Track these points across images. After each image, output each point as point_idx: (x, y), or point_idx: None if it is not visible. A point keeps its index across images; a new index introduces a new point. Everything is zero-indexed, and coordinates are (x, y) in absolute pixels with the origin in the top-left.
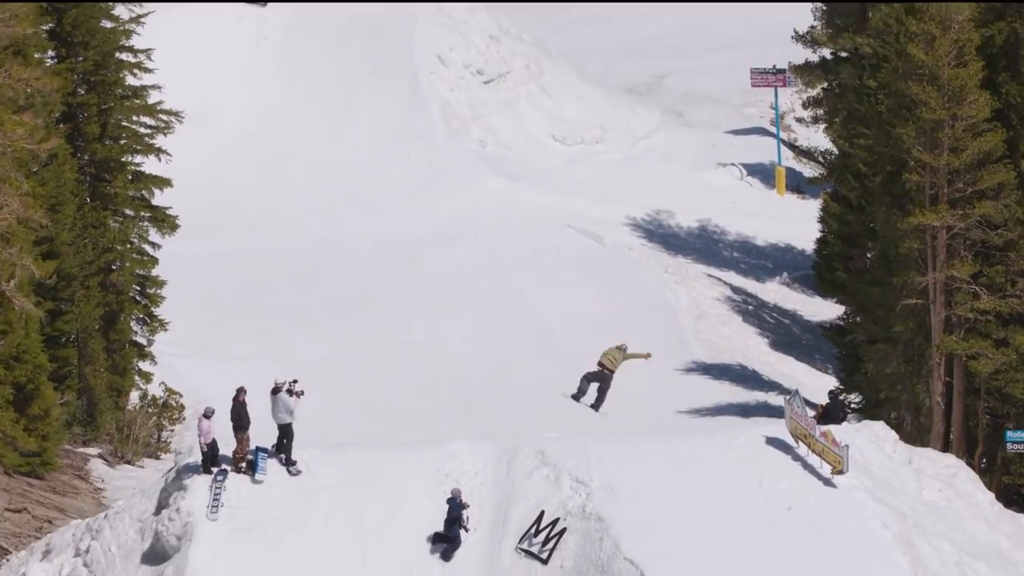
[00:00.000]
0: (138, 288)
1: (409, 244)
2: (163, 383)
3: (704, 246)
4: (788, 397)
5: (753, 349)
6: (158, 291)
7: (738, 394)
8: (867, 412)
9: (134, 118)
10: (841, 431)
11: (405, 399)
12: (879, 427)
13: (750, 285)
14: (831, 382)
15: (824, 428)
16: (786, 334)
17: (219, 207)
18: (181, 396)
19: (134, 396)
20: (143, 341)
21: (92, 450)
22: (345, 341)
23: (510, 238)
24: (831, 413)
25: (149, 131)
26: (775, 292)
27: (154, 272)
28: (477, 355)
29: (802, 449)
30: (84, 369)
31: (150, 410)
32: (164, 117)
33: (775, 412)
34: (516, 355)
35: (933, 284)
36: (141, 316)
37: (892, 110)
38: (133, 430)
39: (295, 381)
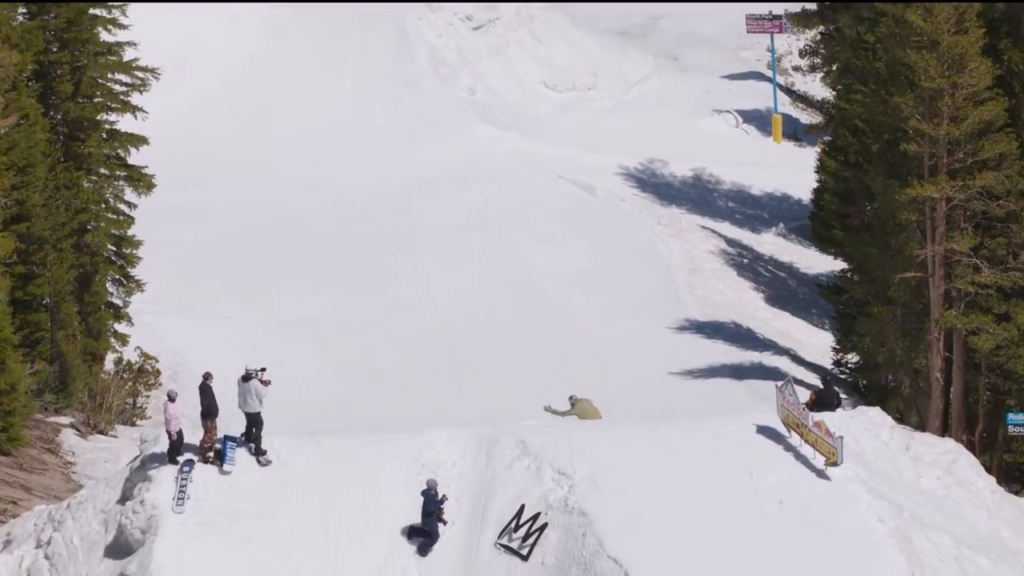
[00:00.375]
0: (113, 248)
1: (397, 195)
2: (139, 348)
3: (698, 196)
4: (780, 384)
5: (748, 304)
6: (134, 251)
7: (732, 354)
8: (864, 374)
9: (109, 75)
10: (835, 418)
11: (392, 359)
12: (875, 413)
13: (745, 236)
14: (827, 339)
15: (817, 418)
16: (782, 288)
17: (201, 157)
18: (157, 361)
19: (111, 359)
20: (119, 302)
21: (64, 419)
22: (331, 297)
23: (500, 188)
24: (824, 399)
25: (124, 89)
26: (771, 243)
27: (130, 231)
28: (466, 312)
29: (794, 439)
30: (57, 334)
31: (125, 375)
32: (140, 74)
33: (769, 373)
34: (505, 312)
35: (932, 257)
36: (117, 277)
37: (890, 76)
38: (106, 398)
39: (263, 369)
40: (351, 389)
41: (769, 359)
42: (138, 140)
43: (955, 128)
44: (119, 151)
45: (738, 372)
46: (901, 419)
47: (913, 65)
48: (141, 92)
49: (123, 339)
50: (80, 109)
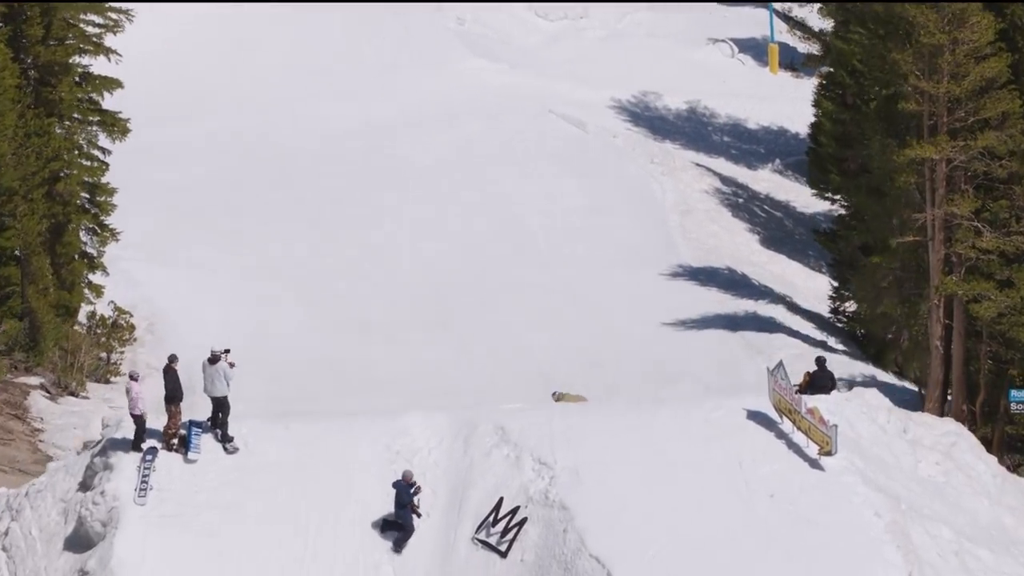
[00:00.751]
0: (87, 196)
1: (382, 130)
2: (112, 302)
3: (693, 130)
4: (771, 368)
5: (743, 247)
6: (108, 199)
7: (726, 303)
8: (862, 324)
9: (81, 16)
10: (830, 401)
11: (375, 309)
12: (871, 395)
13: (741, 173)
14: (824, 283)
15: (811, 405)
16: (778, 229)
17: (179, 92)
18: (131, 315)
19: (85, 312)
20: (93, 252)
21: (34, 379)
22: (313, 242)
23: (489, 125)
24: (818, 382)
25: (97, 31)
26: (767, 181)
27: (104, 179)
28: (452, 258)
29: (786, 425)
30: (27, 289)
31: (98, 331)
32: (113, 15)
33: (764, 324)
34: (493, 259)
35: (932, 221)
36: (91, 226)
37: (887, 30)
38: (78, 357)
39: (227, 350)
40: (333, 342)
41: (764, 308)
42: (112, 83)
43: (956, 86)
44: (92, 95)
45: (732, 323)
46: (900, 372)
47: (912, 20)
48: (115, 33)
49: (98, 290)
50: (51, 53)
